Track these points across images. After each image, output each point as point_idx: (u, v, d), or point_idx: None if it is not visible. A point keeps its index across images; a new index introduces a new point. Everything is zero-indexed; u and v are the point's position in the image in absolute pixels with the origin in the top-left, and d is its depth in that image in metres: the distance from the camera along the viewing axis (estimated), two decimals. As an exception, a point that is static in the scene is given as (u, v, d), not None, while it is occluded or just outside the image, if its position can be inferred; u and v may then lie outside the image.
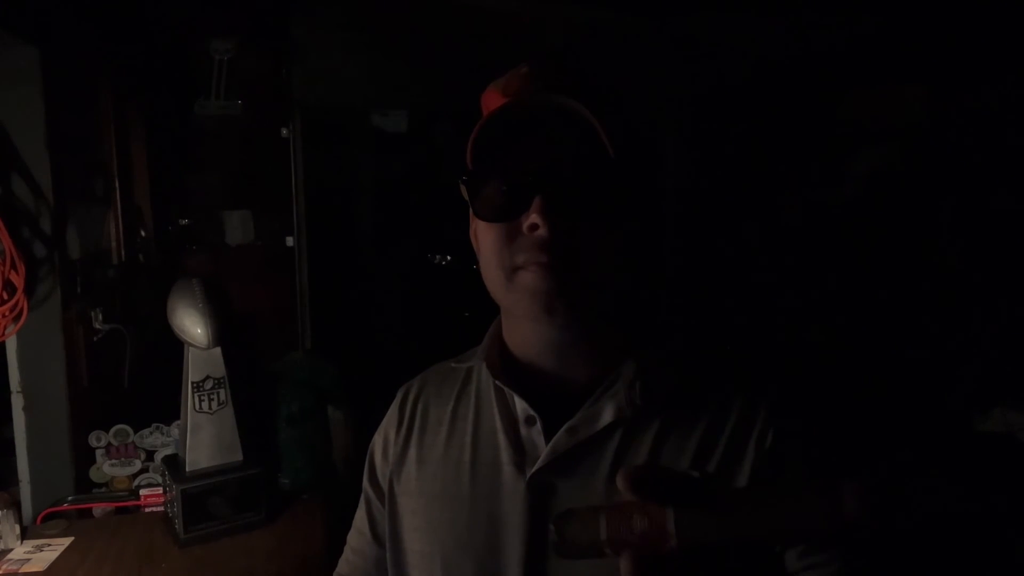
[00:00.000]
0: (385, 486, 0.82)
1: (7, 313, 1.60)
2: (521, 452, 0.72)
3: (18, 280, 1.60)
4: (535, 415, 0.71)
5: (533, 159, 0.66)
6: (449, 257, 4.04)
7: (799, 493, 0.40)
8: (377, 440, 0.86)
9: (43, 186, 1.71)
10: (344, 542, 0.91)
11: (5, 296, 1.60)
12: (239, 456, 1.71)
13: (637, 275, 0.73)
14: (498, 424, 0.74)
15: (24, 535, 1.61)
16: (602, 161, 0.63)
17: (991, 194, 2.67)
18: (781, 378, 0.73)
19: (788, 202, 3.15)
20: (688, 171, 2.96)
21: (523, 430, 0.72)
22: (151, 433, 1.84)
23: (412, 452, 0.81)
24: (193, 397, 1.66)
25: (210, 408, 1.68)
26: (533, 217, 0.64)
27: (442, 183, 3.86)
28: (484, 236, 0.71)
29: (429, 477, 0.78)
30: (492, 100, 0.70)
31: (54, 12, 1.76)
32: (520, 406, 0.73)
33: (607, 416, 0.69)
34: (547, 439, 0.70)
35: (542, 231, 0.64)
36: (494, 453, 0.73)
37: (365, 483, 0.86)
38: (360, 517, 0.88)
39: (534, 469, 0.70)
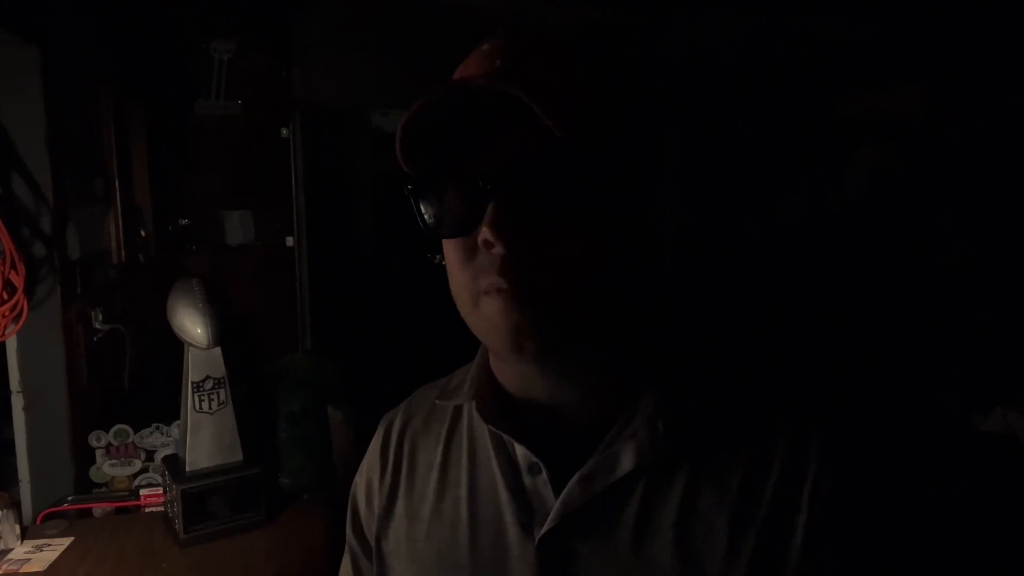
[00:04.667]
0: (372, 541, 0.71)
1: (7, 313, 1.60)
2: (527, 508, 0.60)
3: (18, 280, 1.60)
4: (539, 462, 0.59)
5: (485, 156, 0.53)
6: (449, 257, 4.03)
7: None
8: (359, 485, 0.75)
9: (43, 186, 1.71)
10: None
11: (5, 296, 1.59)
12: (239, 456, 1.71)
13: (643, 287, 0.60)
14: (496, 473, 0.62)
15: (24, 535, 1.61)
16: (569, 154, 0.51)
17: (990, 194, 2.67)
18: (828, 404, 0.62)
19: (788, 202, 3.15)
20: (687, 171, 2.96)
21: (527, 480, 0.61)
22: (151, 433, 1.84)
23: (400, 505, 0.69)
24: (193, 397, 1.66)
25: (210, 408, 1.68)
26: (484, 232, 0.51)
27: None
28: (447, 251, 0.59)
29: (422, 539, 0.66)
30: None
31: (54, 12, 1.76)
32: (521, 452, 0.61)
33: (627, 462, 0.57)
34: (556, 491, 0.58)
35: (497, 249, 0.51)
36: (495, 509, 0.62)
37: (349, 535, 0.75)
38: (346, 572, 0.77)
39: (544, 530, 0.58)
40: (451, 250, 0.57)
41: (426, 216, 0.57)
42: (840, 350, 2.73)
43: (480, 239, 0.52)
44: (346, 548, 0.77)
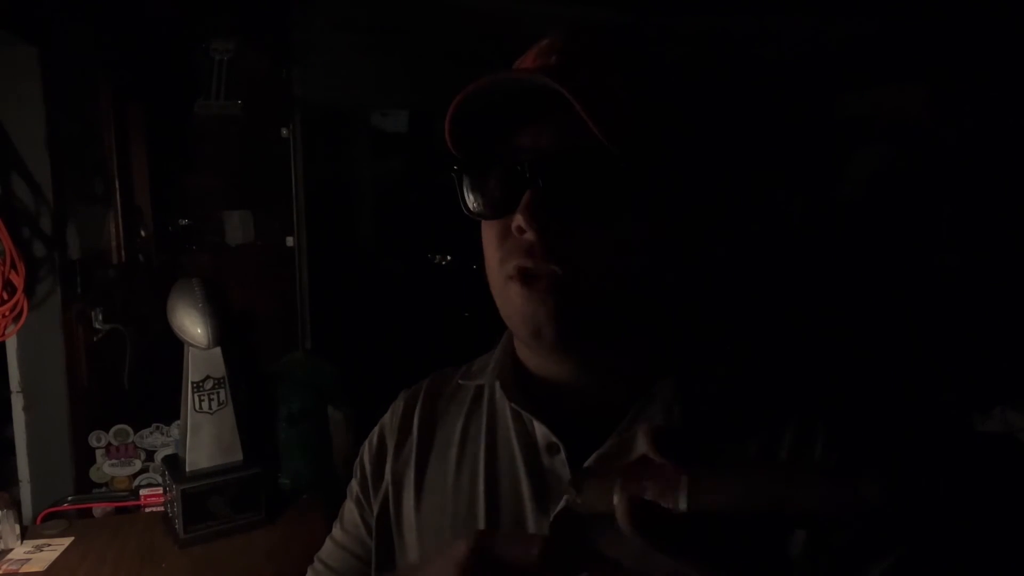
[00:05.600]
0: (376, 504, 0.72)
1: (7, 313, 1.60)
2: (543, 486, 0.62)
3: (18, 280, 1.60)
4: (558, 442, 0.61)
5: (527, 144, 0.55)
6: (449, 257, 4.04)
7: (819, 473, 0.39)
8: (368, 449, 0.76)
9: (43, 186, 1.71)
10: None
11: (5, 296, 1.59)
12: (239, 456, 1.71)
13: (670, 279, 0.62)
14: (516, 451, 0.64)
15: (24, 535, 1.61)
16: (606, 158, 0.52)
17: (991, 194, 2.67)
18: (836, 391, 0.64)
19: (788, 202, 3.15)
20: (687, 170, 2.95)
21: (545, 460, 0.62)
22: (151, 433, 1.84)
23: (413, 474, 0.70)
24: (193, 397, 1.66)
25: (210, 408, 1.68)
26: (518, 217, 0.54)
27: (442, 183, 3.87)
28: (484, 234, 0.61)
29: (436, 508, 0.67)
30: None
31: (54, 12, 1.76)
32: (540, 431, 0.63)
33: (642, 445, 0.58)
34: (573, 470, 0.60)
35: (528, 235, 0.54)
36: (513, 487, 0.63)
37: (356, 488, 0.76)
38: (352, 519, 0.77)
39: (560, 507, 0.59)
40: (488, 232, 0.60)
41: (467, 196, 0.60)
42: (840, 350, 2.73)
43: (513, 224, 0.55)
44: (352, 499, 0.77)
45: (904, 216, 2.84)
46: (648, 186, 0.56)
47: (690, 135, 0.61)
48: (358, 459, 0.78)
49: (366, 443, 0.78)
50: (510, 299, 0.57)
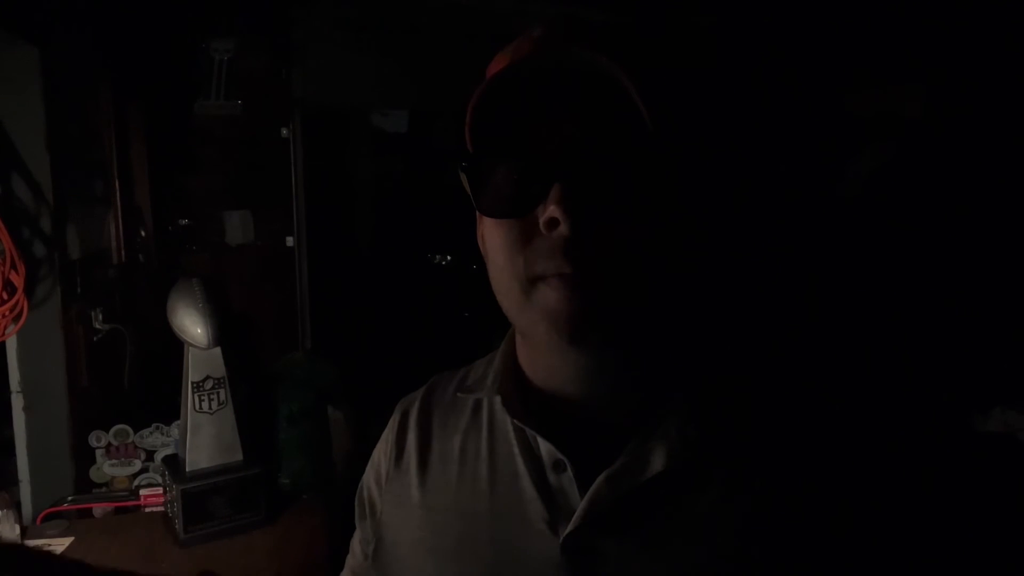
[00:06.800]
0: (377, 528, 0.69)
1: (7, 313, 1.60)
2: (552, 505, 0.58)
3: (18, 280, 1.60)
4: (564, 459, 0.57)
5: (550, 135, 0.52)
6: (449, 257, 4.04)
7: None
8: (369, 475, 0.73)
9: (43, 186, 1.71)
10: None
11: (5, 296, 1.59)
12: (239, 456, 1.71)
13: (688, 282, 0.59)
14: (520, 469, 0.60)
15: (24, 535, 1.61)
16: (641, 135, 0.49)
17: (991, 193, 2.67)
18: (863, 407, 0.63)
19: (788, 201, 3.15)
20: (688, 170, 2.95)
21: (551, 477, 0.59)
22: (151, 433, 1.84)
23: (414, 495, 0.66)
24: (193, 397, 1.66)
25: (210, 408, 1.68)
26: (551, 210, 0.50)
27: (442, 183, 3.87)
28: (493, 237, 0.56)
29: (438, 529, 0.63)
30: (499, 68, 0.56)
31: (54, 12, 1.76)
32: (545, 448, 0.59)
33: (657, 463, 0.55)
34: (581, 488, 0.57)
35: (563, 229, 0.50)
36: (518, 505, 0.60)
37: (367, 529, 0.72)
38: (358, 558, 0.75)
39: (569, 529, 0.56)
40: (500, 235, 0.55)
41: (482, 196, 0.55)
42: (841, 350, 2.73)
43: (545, 218, 0.50)
44: (357, 536, 0.75)
45: (904, 215, 2.84)
46: (679, 176, 0.55)
47: (703, 128, 0.59)
48: (360, 493, 0.74)
49: (367, 471, 0.75)
50: (540, 304, 0.53)
